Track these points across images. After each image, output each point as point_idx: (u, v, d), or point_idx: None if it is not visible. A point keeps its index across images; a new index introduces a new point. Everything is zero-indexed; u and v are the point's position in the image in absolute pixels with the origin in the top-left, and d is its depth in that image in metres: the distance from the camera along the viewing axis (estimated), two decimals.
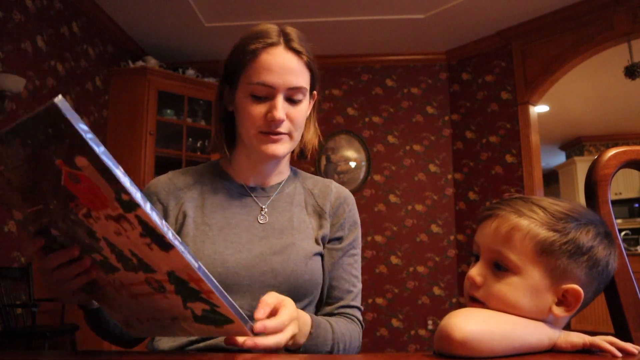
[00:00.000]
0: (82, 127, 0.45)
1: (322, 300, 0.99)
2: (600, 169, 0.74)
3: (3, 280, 2.64)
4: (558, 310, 0.65)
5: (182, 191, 0.97)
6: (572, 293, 0.64)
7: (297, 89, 0.90)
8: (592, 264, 0.65)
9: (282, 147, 0.92)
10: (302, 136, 0.99)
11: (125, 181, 0.47)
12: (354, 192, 4.29)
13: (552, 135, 6.96)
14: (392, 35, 4.12)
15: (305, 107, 0.94)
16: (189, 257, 0.52)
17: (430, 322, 4.12)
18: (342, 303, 0.96)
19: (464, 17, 3.80)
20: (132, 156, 3.82)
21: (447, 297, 4.17)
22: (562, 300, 0.65)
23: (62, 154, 0.47)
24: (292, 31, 0.92)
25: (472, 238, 0.73)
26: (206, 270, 0.54)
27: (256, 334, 0.63)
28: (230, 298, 0.57)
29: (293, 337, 0.73)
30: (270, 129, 0.89)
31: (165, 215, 0.95)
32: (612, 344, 0.60)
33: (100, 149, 0.45)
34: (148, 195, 0.97)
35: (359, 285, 1.01)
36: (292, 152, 1.00)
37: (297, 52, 0.90)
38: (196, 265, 0.52)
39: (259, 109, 0.89)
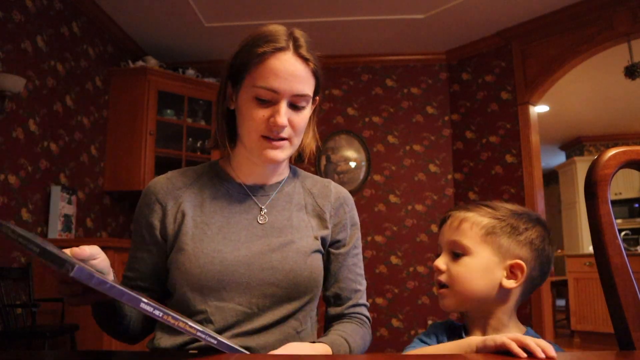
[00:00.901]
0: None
1: (327, 300, 1.00)
2: (600, 169, 0.74)
3: (3, 280, 2.64)
4: (507, 283, 0.79)
5: (181, 190, 0.97)
6: (517, 267, 0.79)
7: (302, 96, 0.90)
8: (530, 242, 0.80)
9: (282, 153, 0.92)
10: (301, 140, 0.99)
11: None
12: (354, 192, 4.30)
13: (552, 135, 6.96)
14: (392, 35, 4.12)
15: (307, 114, 0.94)
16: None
17: (430, 322, 4.12)
18: (351, 303, 0.99)
19: (464, 17, 3.80)
20: (132, 156, 3.82)
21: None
22: (510, 274, 0.80)
23: None
24: (301, 36, 0.91)
25: None
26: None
27: None
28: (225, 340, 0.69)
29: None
30: (271, 134, 0.89)
31: (163, 215, 0.95)
32: (522, 344, 0.63)
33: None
34: (147, 196, 0.97)
35: (365, 283, 1.04)
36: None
37: (304, 60, 0.90)
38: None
39: (262, 113, 0.88)
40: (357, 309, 1.00)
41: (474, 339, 0.69)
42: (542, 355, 0.62)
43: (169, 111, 4.09)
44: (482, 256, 0.80)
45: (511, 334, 0.65)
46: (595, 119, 6.36)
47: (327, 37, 4.09)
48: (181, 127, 4.10)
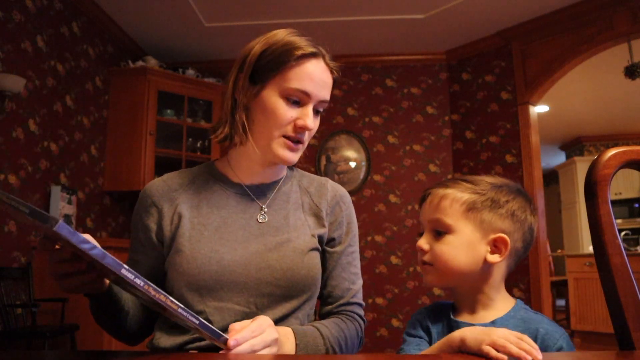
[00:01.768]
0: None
1: (320, 298, 1.00)
2: (600, 169, 0.74)
3: (3, 280, 2.64)
4: (491, 258, 0.78)
5: (177, 192, 0.97)
6: (500, 240, 0.78)
7: (325, 102, 0.94)
8: (511, 214, 0.79)
9: (297, 155, 0.95)
10: None
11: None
12: (354, 192, 4.30)
13: (552, 135, 6.96)
14: (392, 35, 4.12)
15: (319, 119, 0.97)
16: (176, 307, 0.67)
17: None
18: (342, 301, 0.98)
19: (464, 17, 3.80)
20: (132, 156, 3.82)
21: (447, 298, 4.16)
22: (494, 249, 0.79)
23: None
24: (322, 48, 0.95)
25: None
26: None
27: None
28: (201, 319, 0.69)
29: (275, 342, 0.77)
30: (295, 136, 0.91)
31: (160, 218, 0.95)
32: (504, 350, 0.61)
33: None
34: (143, 199, 0.97)
35: (360, 282, 1.02)
36: None
37: (330, 69, 0.95)
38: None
39: (290, 113, 0.90)
40: (348, 307, 0.98)
41: (455, 339, 0.68)
42: (528, 358, 0.60)
43: (169, 111, 4.09)
44: (464, 233, 0.79)
45: (491, 339, 0.63)
46: (595, 119, 6.36)
47: (327, 37, 4.09)
48: (181, 127, 4.10)
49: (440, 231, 0.81)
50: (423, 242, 0.83)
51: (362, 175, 4.39)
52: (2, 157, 2.74)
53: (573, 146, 7.41)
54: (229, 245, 0.91)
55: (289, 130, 0.91)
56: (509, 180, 0.85)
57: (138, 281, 0.62)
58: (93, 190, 3.70)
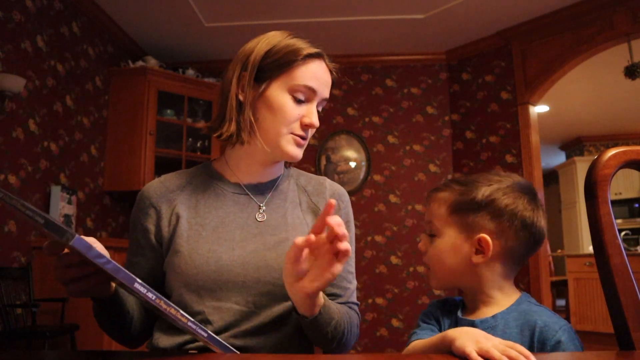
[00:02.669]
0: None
1: None
2: (600, 169, 0.74)
3: (3, 280, 2.64)
4: (475, 259, 0.78)
5: (175, 193, 0.97)
6: (482, 241, 0.78)
7: (325, 101, 0.98)
8: (496, 214, 0.78)
9: (302, 151, 0.97)
10: None
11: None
12: (354, 192, 4.30)
13: (552, 135, 6.96)
14: (392, 35, 4.12)
15: None
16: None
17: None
18: (340, 300, 0.97)
19: (464, 17, 3.80)
20: (132, 156, 3.82)
21: (450, 295, 4.16)
22: (479, 249, 0.78)
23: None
24: (322, 50, 0.99)
25: None
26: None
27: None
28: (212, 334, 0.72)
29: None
30: (301, 133, 0.94)
31: (158, 219, 0.95)
32: (487, 355, 0.60)
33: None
34: (141, 200, 0.97)
35: (354, 282, 1.02)
36: None
37: (330, 70, 0.99)
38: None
39: (298, 110, 0.93)
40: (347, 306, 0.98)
41: (448, 337, 0.68)
42: None
43: (169, 111, 4.09)
44: (449, 235, 0.80)
45: (479, 345, 0.62)
46: (595, 119, 6.36)
47: (327, 37, 4.09)
48: (181, 127, 4.10)
49: (432, 234, 0.83)
50: (421, 244, 0.85)
51: (362, 175, 4.39)
52: (2, 157, 2.74)
53: (573, 146, 7.41)
54: (227, 245, 0.91)
55: (296, 128, 0.93)
56: (510, 175, 0.84)
57: (150, 295, 0.64)
58: (93, 190, 3.70)
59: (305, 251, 0.71)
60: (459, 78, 4.38)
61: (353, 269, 1.03)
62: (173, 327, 0.89)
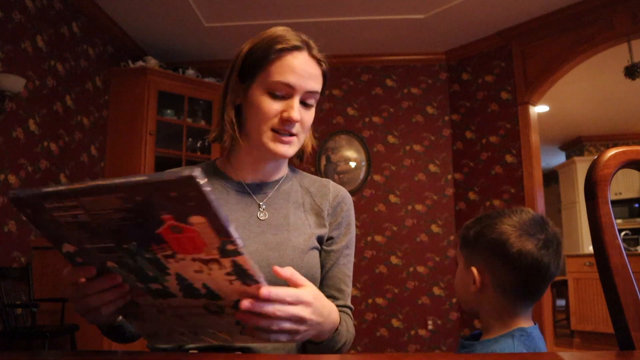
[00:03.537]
0: (214, 198, 0.50)
1: None
2: (600, 169, 0.74)
3: (3, 280, 2.64)
4: (472, 288, 0.86)
5: None
6: (472, 273, 0.86)
7: (313, 93, 0.94)
8: (485, 248, 0.85)
9: (291, 149, 0.95)
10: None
11: (237, 236, 0.55)
12: (354, 192, 4.30)
13: (552, 135, 6.96)
14: (392, 35, 4.12)
15: (314, 112, 0.97)
16: (264, 283, 0.64)
17: (430, 322, 4.12)
18: (336, 303, 0.97)
19: (464, 17, 3.80)
20: (132, 156, 3.82)
21: (447, 297, 4.17)
22: (474, 280, 0.86)
23: (175, 212, 0.52)
24: (311, 41, 0.96)
25: None
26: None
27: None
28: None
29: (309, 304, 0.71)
30: (283, 129, 0.92)
31: None
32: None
33: (225, 216, 0.52)
34: None
35: (351, 286, 1.02)
36: None
37: (317, 60, 0.95)
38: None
39: (275, 107, 0.91)
40: (342, 310, 0.96)
41: None
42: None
43: (169, 111, 4.09)
44: (460, 266, 0.91)
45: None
46: (595, 119, 6.36)
47: (327, 37, 4.08)
48: (181, 127, 4.10)
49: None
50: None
51: (362, 175, 4.40)
52: (2, 157, 2.74)
53: (573, 146, 7.41)
54: None
55: (276, 124, 0.92)
56: (523, 209, 0.87)
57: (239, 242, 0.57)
58: None
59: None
60: (459, 78, 4.38)
61: (350, 273, 1.03)
62: None
